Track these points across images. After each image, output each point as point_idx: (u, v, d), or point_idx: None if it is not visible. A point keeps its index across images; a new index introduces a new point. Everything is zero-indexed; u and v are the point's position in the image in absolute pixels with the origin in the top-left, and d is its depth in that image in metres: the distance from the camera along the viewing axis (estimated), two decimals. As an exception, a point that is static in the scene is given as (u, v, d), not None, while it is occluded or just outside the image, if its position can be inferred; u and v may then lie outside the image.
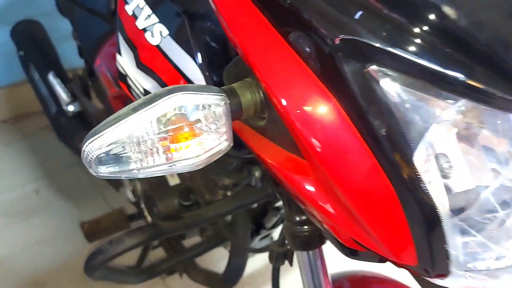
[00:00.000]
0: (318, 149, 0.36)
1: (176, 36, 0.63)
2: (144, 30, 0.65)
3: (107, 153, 0.35)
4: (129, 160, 0.36)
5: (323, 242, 0.58)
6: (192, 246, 0.95)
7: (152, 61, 0.66)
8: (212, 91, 0.38)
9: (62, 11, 1.27)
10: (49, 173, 1.85)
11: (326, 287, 0.59)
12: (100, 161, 0.36)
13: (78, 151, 1.43)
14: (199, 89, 0.37)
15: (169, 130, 0.36)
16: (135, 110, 0.36)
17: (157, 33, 0.64)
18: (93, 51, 1.07)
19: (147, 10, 0.65)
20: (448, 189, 0.35)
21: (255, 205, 0.89)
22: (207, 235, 1.01)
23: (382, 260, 0.49)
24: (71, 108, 1.39)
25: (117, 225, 1.19)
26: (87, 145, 0.35)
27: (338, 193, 0.37)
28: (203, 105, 0.37)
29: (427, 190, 0.34)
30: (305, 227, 0.56)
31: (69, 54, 1.58)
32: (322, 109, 0.36)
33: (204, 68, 0.62)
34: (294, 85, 0.37)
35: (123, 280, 0.86)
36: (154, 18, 0.65)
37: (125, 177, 0.37)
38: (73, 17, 1.17)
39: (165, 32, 0.63)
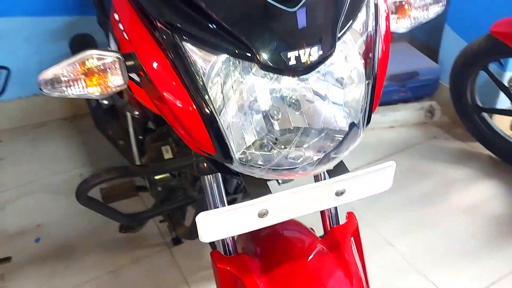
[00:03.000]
0: (159, 86, 0.63)
1: None
2: (123, 30, 0.96)
3: (51, 79, 0.65)
4: (63, 85, 0.65)
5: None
6: (168, 203, 1.23)
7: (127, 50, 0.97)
8: (113, 52, 0.66)
9: (100, 25, 1.63)
10: (92, 162, 2.22)
11: (222, 203, 0.84)
12: (47, 84, 0.65)
13: (108, 136, 1.77)
14: (106, 50, 0.66)
15: (86, 69, 0.65)
16: (69, 59, 0.65)
17: None
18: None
19: None
20: (222, 106, 0.61)
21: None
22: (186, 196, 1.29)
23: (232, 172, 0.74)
24: (105, 102, 1.74)
25: (127, 193, 1.47)
26: (41, 74, 0.64)
27: (176, 117, 0.64)
28: (105, 58, 0.65)
29: (211, 109, 0.60)
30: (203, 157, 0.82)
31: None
32: (161, 67, 0.63)
33: None
34: (150, 56, 0.64)
35: (106, 215, 1.13)
36: None
37: (63, 95, 0.66)
38: (106, 29, 1.52)
39: None
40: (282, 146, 0.62)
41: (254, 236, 0.91)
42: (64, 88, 0.65)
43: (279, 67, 0.58)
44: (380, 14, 0.67)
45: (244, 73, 0.60)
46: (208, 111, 0.60)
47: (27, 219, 1.93)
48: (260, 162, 0.63)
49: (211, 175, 0.83)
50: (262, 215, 0.67)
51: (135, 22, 0.66)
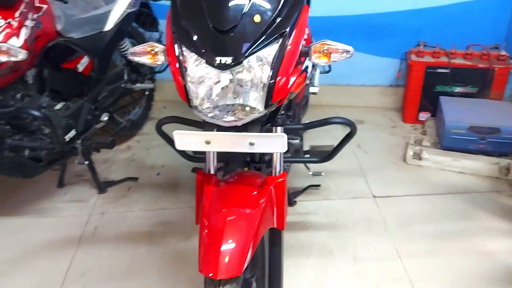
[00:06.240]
0: (171, 66, 1.24)
1: None
2: None
3: (134, 52, 1.33)
4: (138, 55, 1.31)
5: None
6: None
7: None
8: (162, 45, 1.31)
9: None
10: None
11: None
12: (132, 54, 1.33)
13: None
14: (160, 43, 1.31)
15: (148, 50, 1.31)
16: (143, 44, 1.32)
17: None
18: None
19: None
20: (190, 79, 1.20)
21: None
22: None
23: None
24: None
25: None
26: (132, 48, 1.33)
27: (176, 83, 1.25)
28: (157, 47, 1.31)
29: (185, 79, 1.20)
30: None
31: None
32: (172, 55, 1.23)
33: None
34: (169, 49, 1.25)
35: (172, 147, 1.79)
36: None
37: (137, 60, 1.33)
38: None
39: None
40: (215, 106, 1.19)
41: (233, 173, 1.47)
42: (138, 57, 1.33)
43: (212, 64, 1.15)
44: (291, 51, 1.18)
45: (200, 65, 1.19)
46: (184, 80, 1.21)
47: (158, 159, 2.79)
48: (203, 111, 1.21)
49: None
50: (207, 142, 1.23)
51: (168, 30, 1.30)
